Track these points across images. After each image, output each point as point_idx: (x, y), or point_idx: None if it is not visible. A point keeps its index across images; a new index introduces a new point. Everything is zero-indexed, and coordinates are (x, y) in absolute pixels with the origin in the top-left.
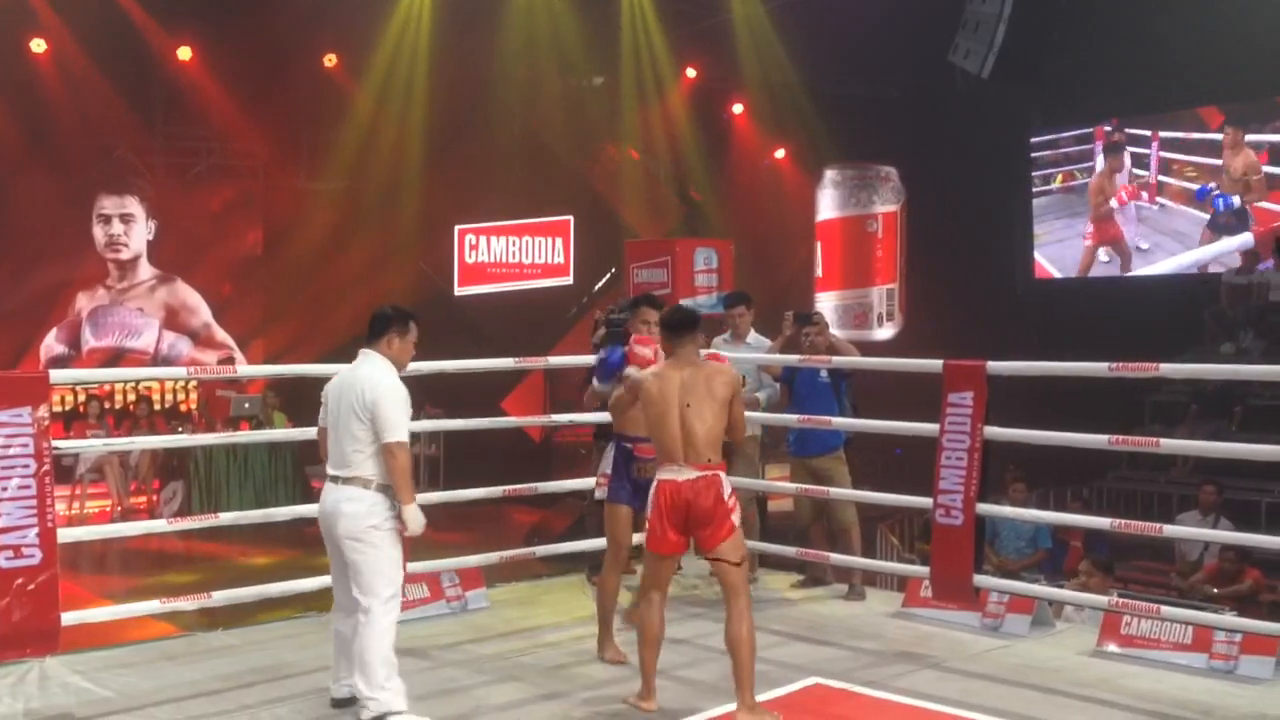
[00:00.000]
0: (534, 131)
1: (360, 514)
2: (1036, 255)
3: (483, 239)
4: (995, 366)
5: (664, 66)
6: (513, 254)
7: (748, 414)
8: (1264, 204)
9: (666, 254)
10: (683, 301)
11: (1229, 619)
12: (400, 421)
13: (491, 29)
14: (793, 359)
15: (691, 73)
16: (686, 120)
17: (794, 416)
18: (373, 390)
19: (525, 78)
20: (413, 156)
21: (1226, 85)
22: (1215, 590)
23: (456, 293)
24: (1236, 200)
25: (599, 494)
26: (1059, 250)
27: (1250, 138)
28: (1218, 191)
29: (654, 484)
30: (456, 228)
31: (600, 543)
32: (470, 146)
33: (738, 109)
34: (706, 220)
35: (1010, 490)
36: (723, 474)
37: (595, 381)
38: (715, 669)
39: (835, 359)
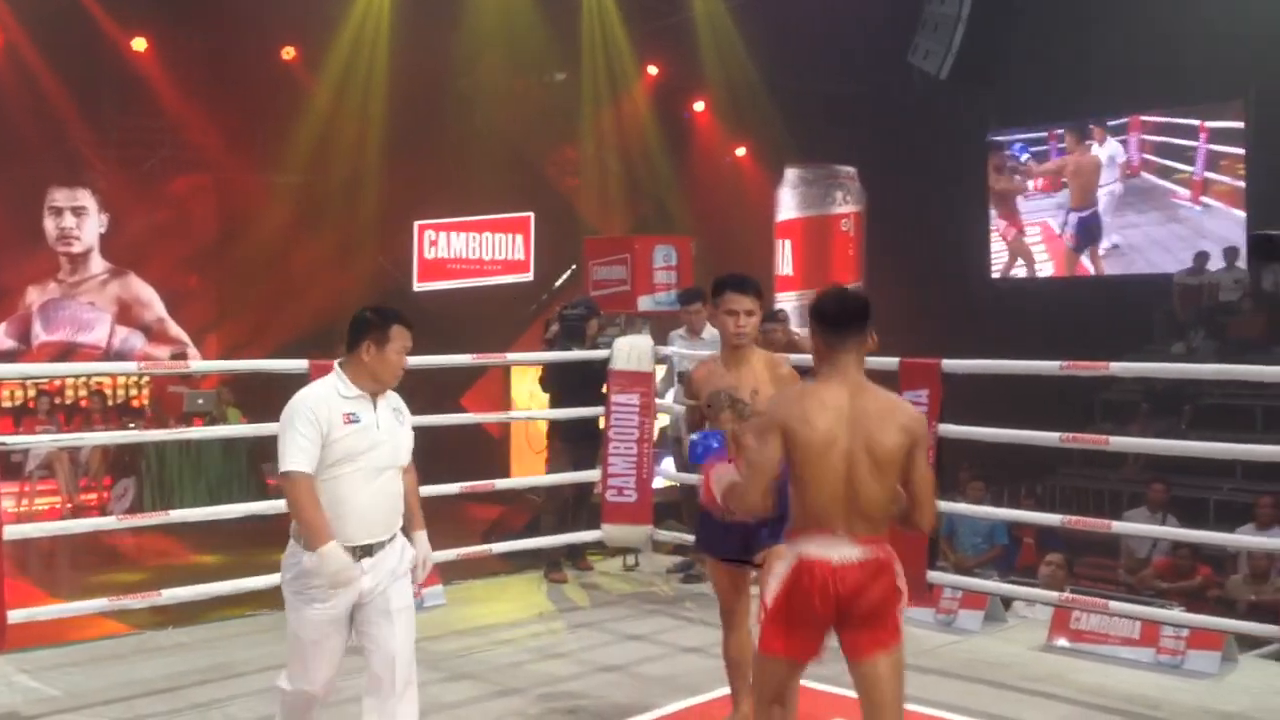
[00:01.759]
0: (494, 127)
1: (283, 566)
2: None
3: (442, 235)
4: (949, 364)
5: (625, 63)
6: (473, 250)
7: None
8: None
9: (626, 251)
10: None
11: (1176, 614)
12: (288, 449)
13: (452, 23)
14: None
15: (653, 70)
16: (648, 117)
17: None
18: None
19: (486, 73)
20: (372, 151)
21: (1189, 87)
22: (1164, 585)
23: (415, 288)
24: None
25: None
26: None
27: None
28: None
29: (793, 560)
30: (416, 223)
31: (557, 539)
32: (430, 141)
33: (699, 106)
34: (667, 217)
35: (968, 489)
36: (893, 551)
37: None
38: (670, 665)
39: (793, 356)
